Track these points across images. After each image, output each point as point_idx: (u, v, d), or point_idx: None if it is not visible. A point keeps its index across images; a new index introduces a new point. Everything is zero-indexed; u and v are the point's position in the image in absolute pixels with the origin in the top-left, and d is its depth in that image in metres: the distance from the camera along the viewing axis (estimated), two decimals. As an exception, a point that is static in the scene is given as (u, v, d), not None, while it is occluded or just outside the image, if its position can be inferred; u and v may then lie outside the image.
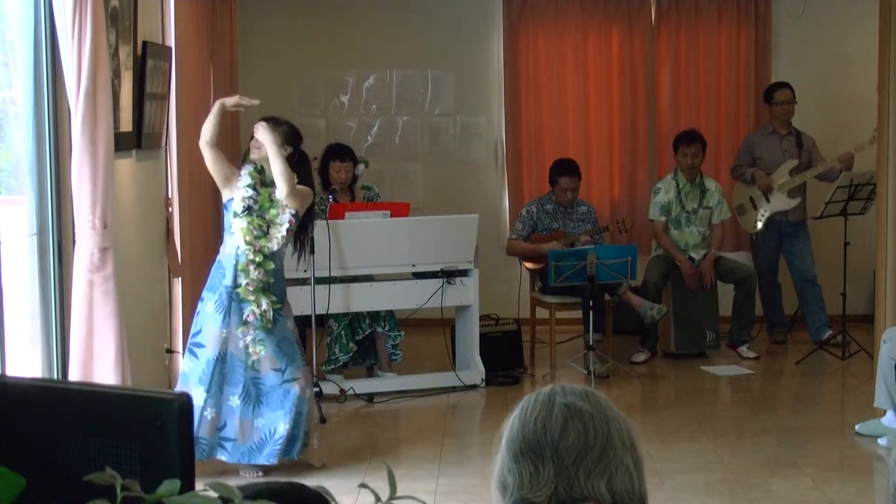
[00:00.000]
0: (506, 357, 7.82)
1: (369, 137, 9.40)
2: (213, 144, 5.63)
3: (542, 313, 8.20)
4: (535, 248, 8.07)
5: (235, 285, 5.55)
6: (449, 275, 7.42)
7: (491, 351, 7.65)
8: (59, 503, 1.68)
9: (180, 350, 7.02)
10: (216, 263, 5.66)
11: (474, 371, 7.50)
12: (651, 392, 7.66)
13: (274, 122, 5.68)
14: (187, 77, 7.07)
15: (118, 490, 1.42)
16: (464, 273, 7.47)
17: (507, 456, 1.93)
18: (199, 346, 5.57)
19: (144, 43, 6.26)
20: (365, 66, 9.37)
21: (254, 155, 5.68)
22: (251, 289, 5.52)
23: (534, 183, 9.26)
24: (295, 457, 5.67)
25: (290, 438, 5.61)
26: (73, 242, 4.99)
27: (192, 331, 5.66)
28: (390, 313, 7.55)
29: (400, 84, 9.43)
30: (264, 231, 5.57)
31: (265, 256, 5.55)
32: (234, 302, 5.54)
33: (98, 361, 4.88)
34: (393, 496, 1.51)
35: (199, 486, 1.51)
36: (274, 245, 5.58)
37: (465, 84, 9.44)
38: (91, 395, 1.82)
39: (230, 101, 5.72)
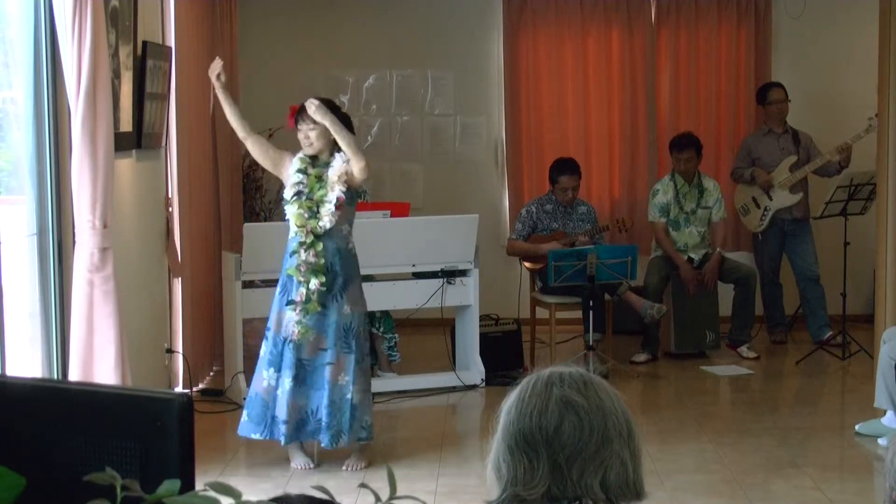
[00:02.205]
0: (506, 357, 7.80)
1: (369, 137, 9.39)
2: (250, 133, 5.67)
3: (542, 313, 8.19)
4: (535, 248, 8.06)
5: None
6: (449, 275, 7.42)
7: (491, 351, 7.65)
8: (59, 503, 1.68)
9: (180, 350, 7.03)
10: (286, 253, 5.73)
11: (474, 371, 7.50)
12: (651, 392, 7.66)
13: (331, 105, 5.60)
14: (187, 77, 7.07)
15: (118, 490, 1.42)
16: (464, 273, 7.47)
17: (503, 445, 1.93)
18: (268, 328, 5.68)
19: (144, 43, 6.26)
20: (365, 66, 9.36)
21: (307, 151, 5.64)
22: (302, 270, 5.57)
23: (534, 183, 9.25)
24: (346, 445, 5.69)
25: (327, 426, 5.60)
26: (73, 242, 4.99)
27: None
28: (386, 315, 7.54)
29: (400, 84, 9.42)
30: (314, 212, 5.61)
31: (316, 237, 5.59)
32: (288, 284, 5.63)
33: (98, 361, 4.88)
34: (393, 496, 1.51)
35: (199, 486, 1.51)
36: (326, 223, 5.59)
37: (465, 84, 9.43)
38: (91, 395, 1.82)
39: (216, 78, 5.57)
